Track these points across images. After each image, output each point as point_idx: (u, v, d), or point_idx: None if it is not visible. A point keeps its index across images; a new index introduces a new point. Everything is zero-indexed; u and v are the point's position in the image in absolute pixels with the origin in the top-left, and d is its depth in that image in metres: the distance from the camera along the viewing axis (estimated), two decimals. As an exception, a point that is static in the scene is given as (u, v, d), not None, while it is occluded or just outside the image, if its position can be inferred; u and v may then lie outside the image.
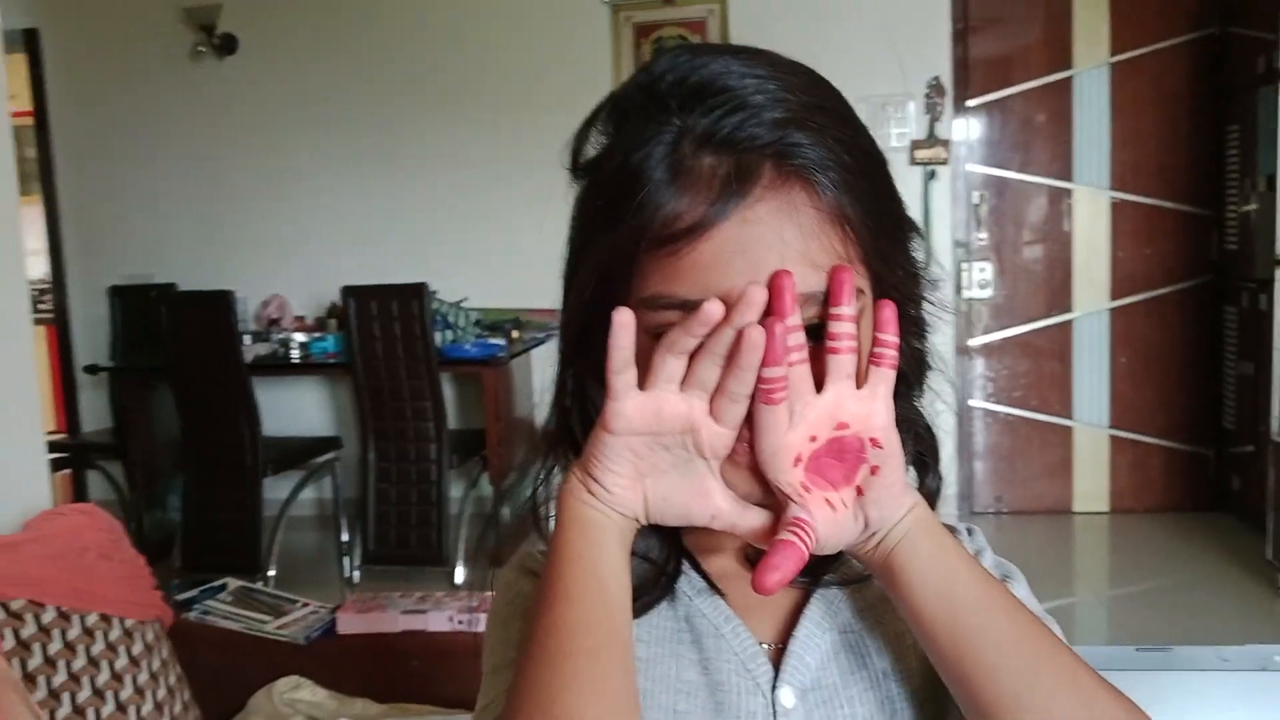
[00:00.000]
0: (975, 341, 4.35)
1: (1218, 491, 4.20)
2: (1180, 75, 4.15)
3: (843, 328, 0.55)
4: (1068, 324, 4.30)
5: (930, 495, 0.70)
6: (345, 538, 4.11)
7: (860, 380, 0.57)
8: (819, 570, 0.66)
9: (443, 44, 4.54)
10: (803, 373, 0.55)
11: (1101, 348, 4.28)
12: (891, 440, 0.57)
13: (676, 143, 0.56)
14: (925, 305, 0.66)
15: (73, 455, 4.39)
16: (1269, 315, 3.52)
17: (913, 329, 0.65)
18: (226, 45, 4.68)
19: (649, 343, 0.57)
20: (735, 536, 0.60)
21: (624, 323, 0.55)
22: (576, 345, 0.64)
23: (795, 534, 0.55)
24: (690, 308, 0.55)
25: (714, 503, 0.58)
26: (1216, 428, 4.20)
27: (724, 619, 0.66)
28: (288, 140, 4.71)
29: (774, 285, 0.53)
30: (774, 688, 0.63)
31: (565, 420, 0.66)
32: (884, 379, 0.57)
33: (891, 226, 0.61)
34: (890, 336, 0.56)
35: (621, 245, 0.57)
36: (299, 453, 4.14)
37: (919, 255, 0.65)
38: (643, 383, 0.56)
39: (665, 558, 0.67)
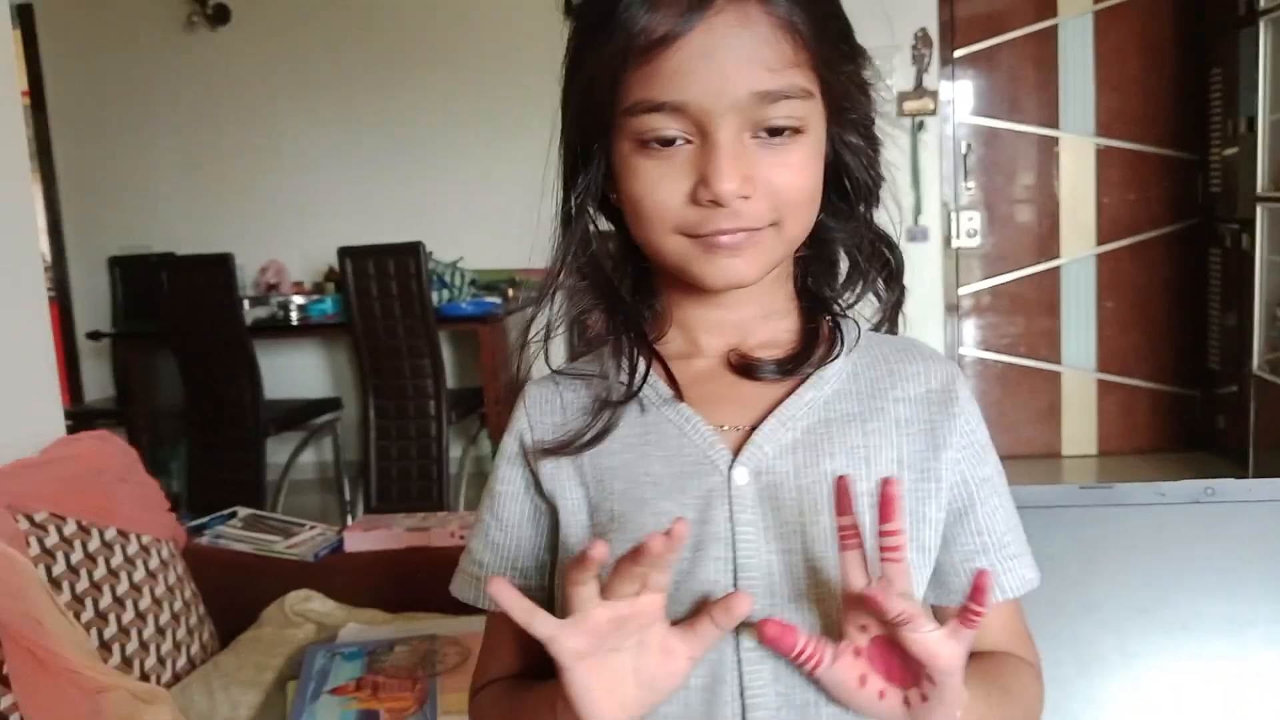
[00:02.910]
0: (964, 290, 4.41)
1: (1203, 431, 4.28)
2: (1163, 20, 4.20)
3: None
4: (1055, 271, 4.37)
5: (894, 305, 0.80)
6: (348, 497, 4.18)
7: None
8: (792, 366, 0.73)
9: (433, 6, 4.58)
10: (900, 570, 0.61)
11: (1088, 293, 4.35)
12: (949, 685, 0.61)
13: None
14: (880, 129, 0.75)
15: (77, 423, 4.44)
16: (1251, 255, 3.59)
17: (861, 141, 0.73)
18: (219, 15, 4.71)
19: (634, 150, 0.67)
20: (717, 342, 0.73)
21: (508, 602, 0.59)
22: (575, 166, 0.73)
23: (812, 643, 0.63)
24: (668, 109, 0.65)
25: (679, 657, 0.64)
26: (1202, 368, 4.27)
27: (685, 419, 0.73)
28: (281, 107, 4.75)
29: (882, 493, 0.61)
30: (730, 467, 0.70)
31: (570, 231, 0.75)
32: (965, 638, 0.60)
33: (837, 39, 0.70)
34: (981, 608, 0.59)
35: (604, 61, 0.66)
36: (300, 414, 4.20)
37: (869, 76, 0.73)
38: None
39: (632, 371, 0.74)
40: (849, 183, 0.75)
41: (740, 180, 0.65)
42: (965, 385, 0.77)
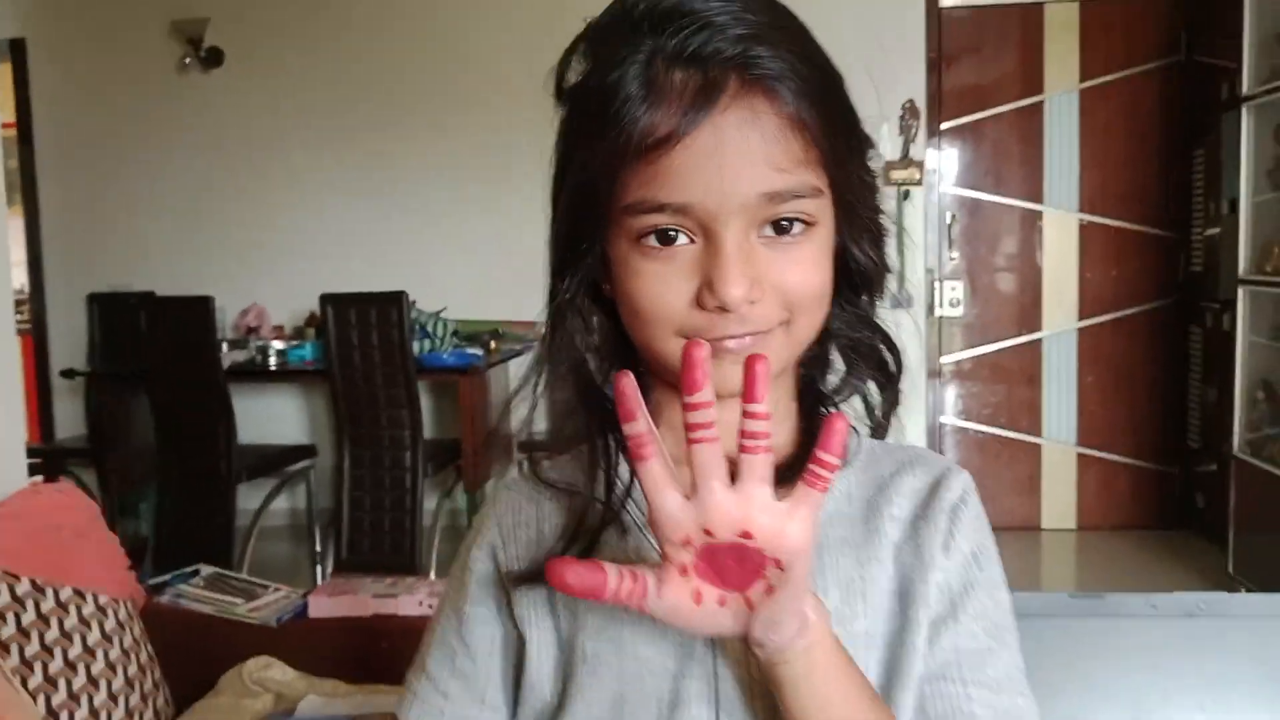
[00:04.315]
0: (946, 360, 4.41)
1: (1183, 509, 4.27)
2: (1147, 101, 4.26)
3: (757, 426, 0.54)
4: (1037, 343, 4.38)
5: (887, 412, 0.75)
6: (318, 547, 4.10)
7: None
8: (792, 476, 0.68)
9: (424, 58, 4.60)
10: (714, 454, 0.54)
11: (1070, 367, 4.36)
12: (798, 566, 0.54)
13: (649, 61, 0.61)
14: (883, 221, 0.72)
15: (46, 461, 4.37)
16: (1232, 335, 3.60)
17: (868, 236, 0.70)
18: (213, 58, 4.72)
19: (632, 248, 0.64)
20: (724, 419, 0.60)
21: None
22: (566, 258, 0.68)
23: (626, 578, 0.56)
24: (670, 210, 0.61)
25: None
26: (1182, 446, 4.28)
27: None
28: (270, 152, 4.75)
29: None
30: None
31: (562, 325, 0.69)
32: (811, 501, 0.54)
33: (847, 135, 0.66)
34: (831, 457, 0.54)
35: (602, 157, 0.62)
36: (273, 460, 4.14)
37: (873, 166, 0.70)
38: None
39: (609, 487, 0.68)
40: (855, 276, 0.71)
41: (748, 285, 0.62)
42: (960, 487, 0.70)
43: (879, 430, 0.76)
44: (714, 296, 0.62)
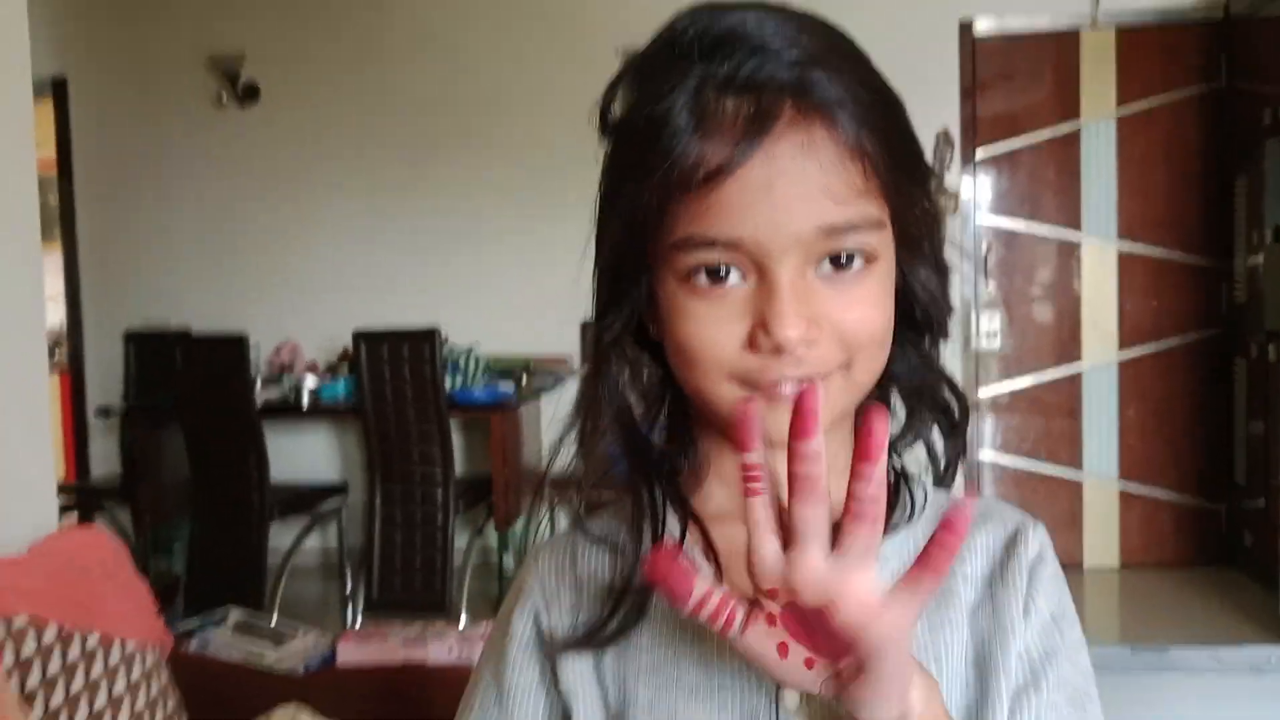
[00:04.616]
0: (984, 393, 4.34)
1: (1229, 547, 4.15)
2: (1187, 128, 4.20)
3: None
4: (1076, 376, 4.30)
5: (953, 459, 0.70)
6: (349, 586, 4.08)
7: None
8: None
9: (456, 92, 4.63)
10: (818, 514, 0.49)
11: (1110, 400, 4.27)
12: (891, 654, 0.49)
13: (699, 90, 0.58)
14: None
15: (81, 499, 4.40)
16: (1278, 367, 3.51)
17: (932, 272, 0.66)
18: (249, 94, 4.78)
19: (680, 287, 0.60)
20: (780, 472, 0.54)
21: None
22: (611, 297, 0.65)
23: (715, 598, 0.50)
24: (721, 245, 0.57)
25: None
26: (1227, 482, 4.16)
27: None
28: (304, 187, 4.78)
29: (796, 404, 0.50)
30: (778, 687, 0.61)
31: (607, 368, 0.65)
32: (913, 599, 0.48)
33: (909, 163, 0.62)
34: (950, 535, 0.47)
35: (650, 192, 0.58)
36: (306, 498, 4.14)
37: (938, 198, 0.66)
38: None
39: (655, 543, 0.63)
40: (917, 314, 0.66)
41: (805, 325, 0.58)
42: (1038, 544, 0.65)
43: (944, 480, 0.72)
44: (768, 337, 0.57)
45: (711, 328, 0.59)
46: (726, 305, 0.59)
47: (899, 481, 0.67)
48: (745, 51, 0.57)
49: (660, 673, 0.63)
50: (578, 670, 0.65)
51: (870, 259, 0.60)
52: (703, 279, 0.59)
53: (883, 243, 0.60)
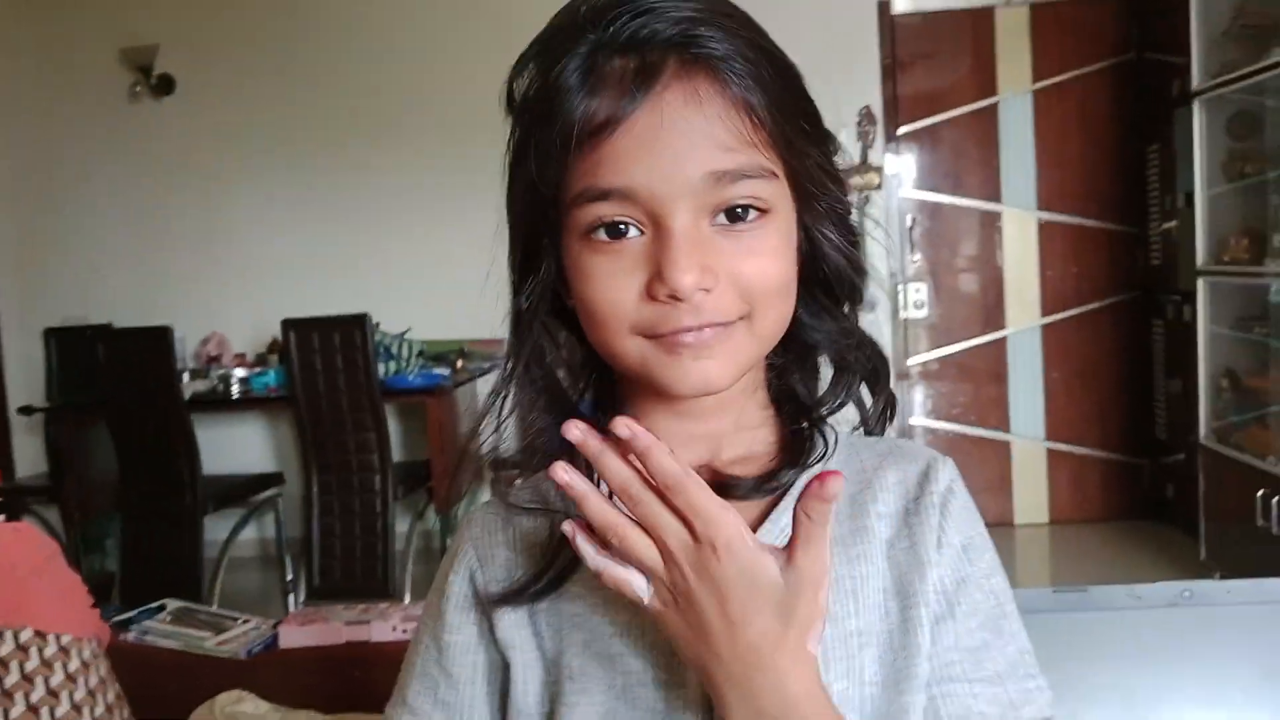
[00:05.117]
0: (913, 361, 4.43)
1: (1153, 500, 4.31)
2: (1100, 99, 4.31)
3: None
4: (1002, 341, 4.41)
5: (880, 417, 0.72)
6: (290, 575, 4.04)
7: None
8: (772, 483, 0.66)
9: (379, 79, 4.56)
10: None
11: (1035, 364, 4.39)
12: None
13: (590, 54, 0.59)
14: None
15: (5, 500, 4.28)
16: (1193, 326, 3.64)
17: (836, 230, 0.67)
18: (164, 85, 4.67)
19: (583, 247, 0.61)
20: (688, 458, 0.58)
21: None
22: (524, 268, 0.67)
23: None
24: (615, 197, 0.59)
25: None
26: (1149, 437, 4.31)
27: None
28: (226, 178, 4.69)
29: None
30: None
31: (525, 340, 0.67)
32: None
33: (801, 121, 0.63)
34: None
35: (547, 154, 0.60)
36: (240, 490, 4.08)
37: (839, 161, 0.67)
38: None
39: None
40: (829, 277, 0.68)
41: (699, 271, 0.59)
42: (948, 478, 0.68)
43: (872, 432, 0.74)
44: (664, 285, 0.59)
45: (611, 281, 0.61)
46: (625, 259, 0.60)
47: (814, 430, 0.69)
48: (631, 14, 0.59)
49: (593, 616, 0.66)
50: (513, 622, 0.67)
51: (765, 211, 0.61)
52: (601, 234, 0.60)
53: (776, 194, 0.62)
